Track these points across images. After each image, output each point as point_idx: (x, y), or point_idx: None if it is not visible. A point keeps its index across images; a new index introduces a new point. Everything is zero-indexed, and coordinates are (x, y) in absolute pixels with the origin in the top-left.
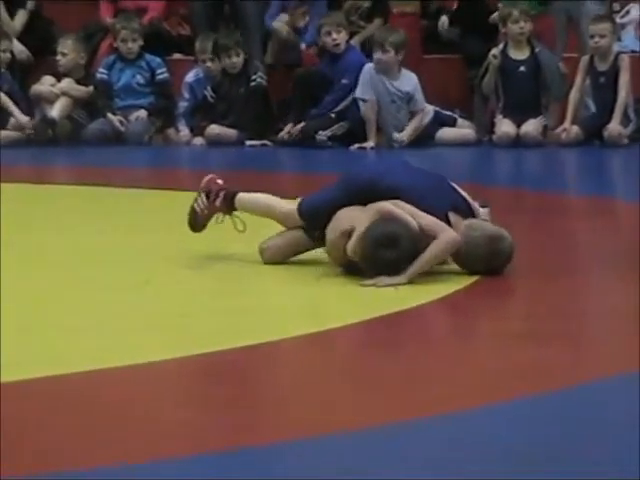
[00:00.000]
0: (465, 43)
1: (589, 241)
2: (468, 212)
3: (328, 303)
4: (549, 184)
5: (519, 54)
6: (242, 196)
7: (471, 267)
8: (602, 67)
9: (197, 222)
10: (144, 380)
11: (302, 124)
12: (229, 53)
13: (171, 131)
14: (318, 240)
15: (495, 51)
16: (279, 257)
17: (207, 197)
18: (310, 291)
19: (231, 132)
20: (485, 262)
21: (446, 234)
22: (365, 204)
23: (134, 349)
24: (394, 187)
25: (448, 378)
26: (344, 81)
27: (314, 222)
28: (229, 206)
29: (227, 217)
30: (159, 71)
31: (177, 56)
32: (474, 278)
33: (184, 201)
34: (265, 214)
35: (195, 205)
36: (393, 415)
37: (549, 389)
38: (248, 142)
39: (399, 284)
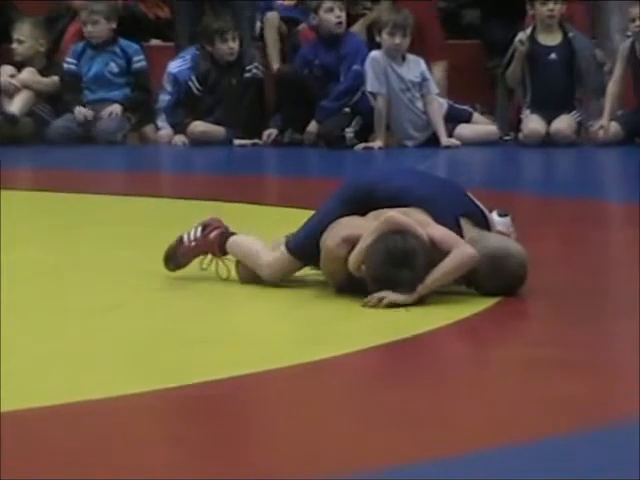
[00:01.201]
0: (486, 27)
1: (628, 257)
2: (483, 223)
3: (327, 327)
4: (584, 190)
5: (549, 39)
6: (235, 239)
7: (477, 286)
8: None
9: (176, 255)
10: (115, 416)
11: (313, 125)
12: (225, 37)
13: (149, 128)
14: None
15: (522, 36)
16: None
17: (203, 230)
18: (306, 314)
19: (218, 130)
20: (490, 281)
21: (461, 250)
22: (365, 214)
23: (104, 381)
24: (395, 191)
25: (465, 414)
26: (355, 67)
27: (313, 256)
28: (220, 245)
29: (213, 261)
30: (136, 59)
31: (155, 42)
32: (493, 300)
33: (163, 210)
34: (249, 263)
35: (184, 234)
36: (403, 456)
37: (579, 427)
38: (237, 141)
39: (405, 305)
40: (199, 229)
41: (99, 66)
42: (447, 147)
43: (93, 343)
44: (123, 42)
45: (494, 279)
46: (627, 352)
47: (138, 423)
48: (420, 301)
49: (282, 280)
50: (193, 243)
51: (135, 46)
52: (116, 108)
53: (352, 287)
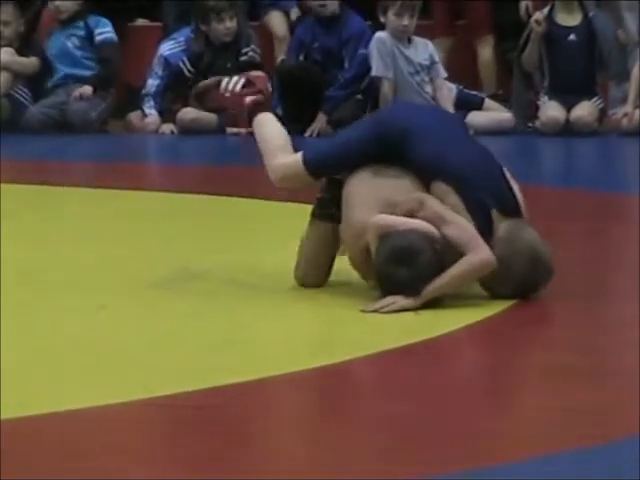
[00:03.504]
0: (496, 6)
1: None
2: (515, 211)
3: (333, 331)
4: (606, 183)
5: (568, 19)
6: (264, 118)
7: (497, 287)
8: None
9: (206, 95)
10: (98, 428)
11: (321, 116)
12: (221, 16)
13: (135, 115)
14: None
15: (538, 16)
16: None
17: (244, 85)
18: (310, 316)
19: (210, 117)
20: (518, 283)
21: (478, 254)
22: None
23: (87, 390)
24: (429, 156)
25: (480, 425)
26: (362, 51)
27: (327, 174)
28: (250, 114)
29: None
30: (98, 30)
31: (141, 22)
32: (510, 302)
33: (149, 204)
34: (266, 153)
35: (224, 79)
36: (413, 470)
37: (604, 439)
38: (230, 130)
39: (410, 309)
40: (241, 82)
41: (61, 41)
42: None
43: (80, 347)
44: (91, 17)
45: (524, 280)
46: None
47: (130, 434)
48: (432, 303)
49: (287, 187)
50: (228, 94)
51: (101, 19)
52: (86, 89)
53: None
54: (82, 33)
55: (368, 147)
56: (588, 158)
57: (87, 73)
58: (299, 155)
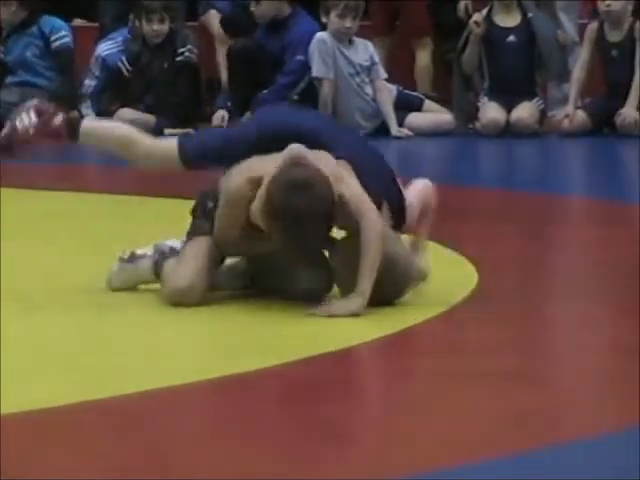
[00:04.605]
0: (436, 7)
1: (592, 258)
2: (400, 212)
3: (253, 337)
4: (547, 184)
5: (508, 20)
6: (90, 124)
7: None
8: (614, 37)
9: (11, 145)
10: (21, 432)
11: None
12: (150, 17)
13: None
14: None
15: (477, 17)
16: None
17: (38, 114)
18: (236, 323)
19: (147, 118)
20: (393, 285)
21: (374, 214)
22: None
23: (15, 393)
24: (324, 141)
25: (415, 430)
26: (298, 57)
27: (202, 165)
28: (71, 134)
29: None
30: (54, 37)
31: (78, 22)
32: (444, 306)
33: (84, 205)
34: (120, 146)
35: (17, 121)
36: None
37: (545, 443)
38: (167, 131)
39: (358, 310)
40: (31, 113)
41: (19, 49)
42: (398, 137)
43: (7, 350)
44: (44, 19)
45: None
46: (586, 362)
47: (60, 438)
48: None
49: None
50: (32, 130)
51: (55, 23)
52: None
53: (244, 251)
54: (40, 42)
55: (255, 148)
56: (528, 159)
57: (45, 83)
58: (174, 141)
